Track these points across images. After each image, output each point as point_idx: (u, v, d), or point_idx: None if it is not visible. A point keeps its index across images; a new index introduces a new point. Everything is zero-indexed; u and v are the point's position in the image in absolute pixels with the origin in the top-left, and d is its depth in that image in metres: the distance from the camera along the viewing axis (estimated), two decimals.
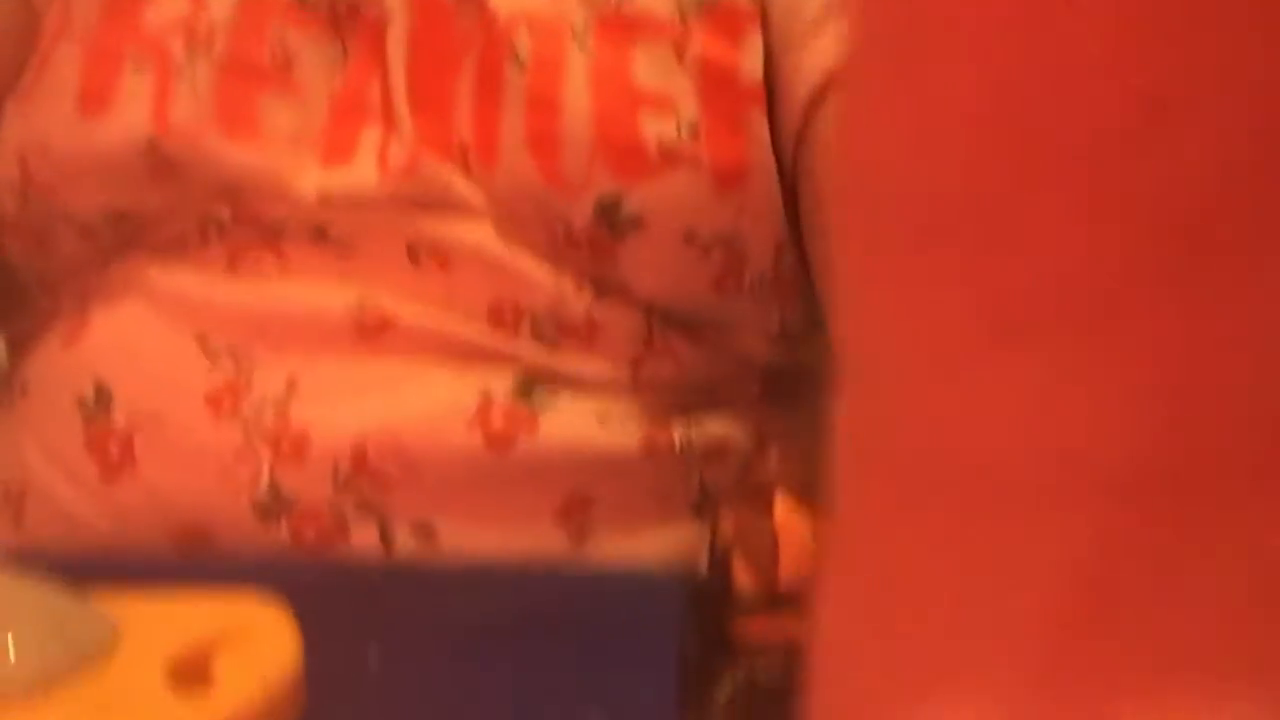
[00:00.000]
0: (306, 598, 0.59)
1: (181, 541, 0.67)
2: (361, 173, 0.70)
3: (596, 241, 0.69)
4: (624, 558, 0.69)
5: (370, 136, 0.70)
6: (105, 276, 0.72)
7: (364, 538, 0.67)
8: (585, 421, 0.69)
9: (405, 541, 0.67)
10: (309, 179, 0.70)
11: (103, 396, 0.70)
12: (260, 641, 0.53)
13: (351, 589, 0.63)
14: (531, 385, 0.69)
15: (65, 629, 0.52)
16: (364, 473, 0.66)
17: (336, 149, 0.71)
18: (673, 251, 0.70)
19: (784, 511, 0.47)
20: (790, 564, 0.46)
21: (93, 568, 0.55)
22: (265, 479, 0.67)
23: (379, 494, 0.67)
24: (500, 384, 0.69)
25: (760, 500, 0.47)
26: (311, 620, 0.55)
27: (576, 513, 0.69)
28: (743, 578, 0.47)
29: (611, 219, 0.69)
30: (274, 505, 0.67)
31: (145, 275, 0.71)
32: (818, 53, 0.70)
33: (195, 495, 0.68)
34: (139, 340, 0.70)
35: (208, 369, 0.69)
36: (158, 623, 0.54)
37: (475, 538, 0.67)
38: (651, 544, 0.69)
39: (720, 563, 0.47)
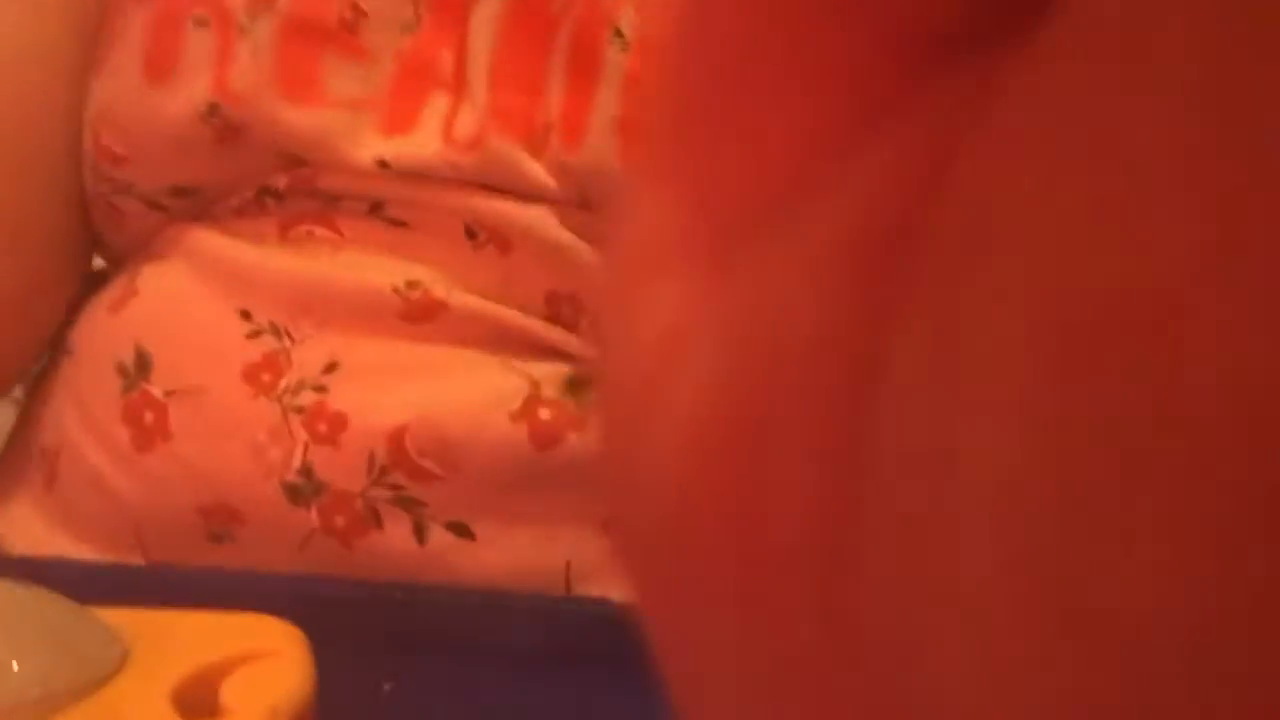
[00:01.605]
0: (319, 616, 0.57)
1: (209, 518, 0.65)
2: (423, 142, 0.66)
3: None
4: None
5: (437, 104, 0.67)
6: (157, 243, 0.70)
7: (396, 531, 0.64)
8: None
9: (439, 538, 0.64)
10: (368, 146, 0.67)
11: (142, 363, 0.67)
12: (273, 667, 0.50)
13: (362, 610, 0.60)
14: (583, 383, 0.66)
15: (71, 647, 0.50)
16: (401, 463, 0.63)
17: (399, 116, 0.67)
18: None
19: None
20: None
21: (104, 578, 0.53)
22: (298, 460, 0.64)
23: (415, 487, 0.63)
24: (550, 379, 0.65)
25: None
26: (321, 642, 0.51)
27: None
28: None
29: None
30: (305, 488, 0.64)
31: (196, 242, 0.69)
32: None
33: (226, 471, 0.65)
34: (182, 308, 0.68)
35: (248, 342, 0.66)
36: (167, 642, 0.51)
37: (513, 539, 0.64)
38: None
39: None
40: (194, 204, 0.70)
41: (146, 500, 0.66)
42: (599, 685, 0.54)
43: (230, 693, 0.48)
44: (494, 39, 0.67)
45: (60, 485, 0.69)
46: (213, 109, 0.68)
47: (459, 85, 0.67)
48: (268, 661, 0.50)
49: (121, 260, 0.74)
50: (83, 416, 0.69)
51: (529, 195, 0.66)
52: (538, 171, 0.66)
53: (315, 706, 0.49)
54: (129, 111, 0.70)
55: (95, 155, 0.71)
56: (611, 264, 0.15)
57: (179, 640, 0.51)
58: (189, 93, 0.68)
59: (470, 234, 0.66)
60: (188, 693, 0.48)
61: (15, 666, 0.48)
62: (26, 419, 0.74)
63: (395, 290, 0.66)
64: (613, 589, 0.65)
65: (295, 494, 0.64)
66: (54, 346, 0.74)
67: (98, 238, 0.75)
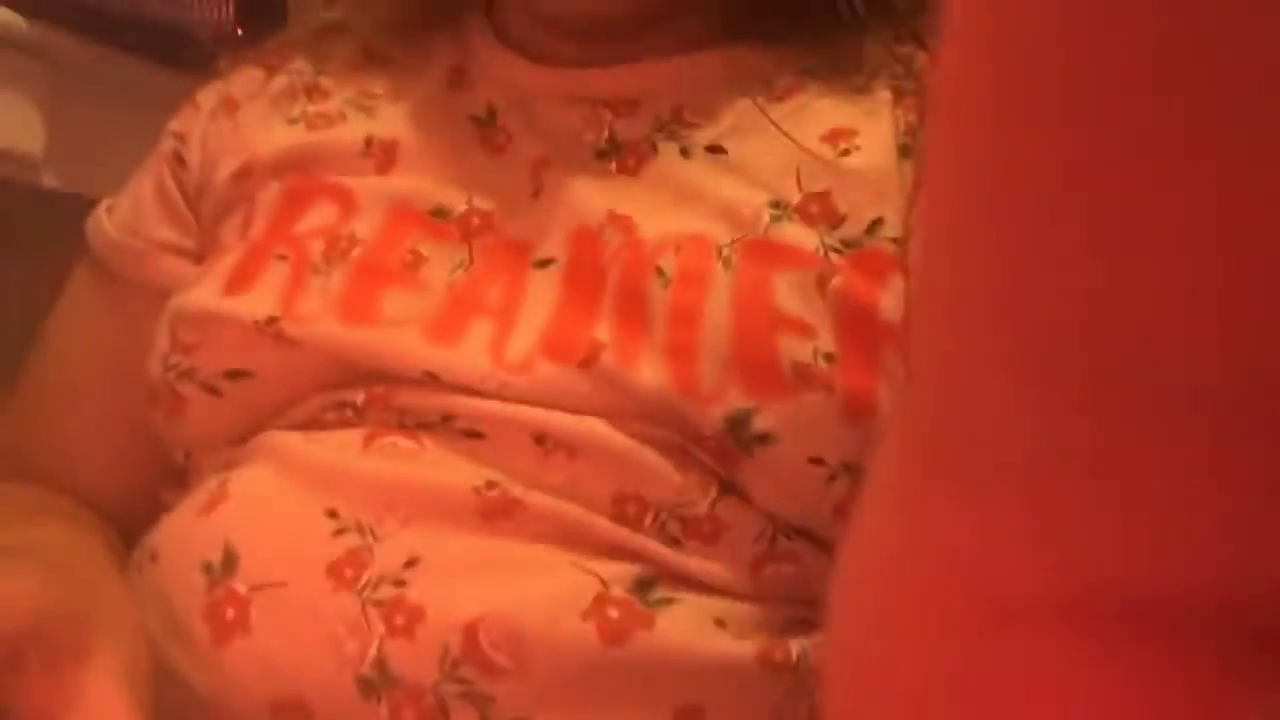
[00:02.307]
0: None
1: (279, 713, 0.66)
2: (471, 356, 0.71)
3: (724, 451, 0.69)
4: None
5: (480, 329, 0.73)
6: (244, 450, 0.71)
7: None
8: (704, 624, 0.67)
9: None
10: (415, 356, 0.72)
11: (229, 561, 0.69)
12: None
13: None
14: (652, 583, 0.67)
15: None
16: (473, 656, 0.65)
17: (442, 330, 0.73)
18: (799, 471, 0.68)
19: None
20: None
21: None
22: (374, 653, 0.65)
23: (485, 681, 0.65)
24: (619, 578, 0.67)
25: None
26: None
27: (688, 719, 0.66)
28: None
29: (740, 433, 0.67)
30: (378, 681, 0.65)
31: (283, 445, 0.71)
32: None
33: (301, 665, 0.66)
34: (271, 508, 0.70)
35: (333, 540, 0.67)
36: None
37: None
38: None
39: None
40: (252, 397, 0.74)
41: (220, 694, 0.67)
42: None
43: None
44: (551, 293, 0.73)
45: None
46: (271, 320, 0.74)
47: (507, 318, 0.73)
48: None
49: (194, 467, 0.77)
50: (164, 616, 0.70)
51: (583, 412, 0.69)
52: (590, 389, 0.69)
53: None
54: (203, 310, 0.76)
55: (168, 347, 0.77)
56: None
57: None
58: (257, 303, 0.75)
59: (539, 440, 0.69)
60: None
61: None
62: None
63: (475, 490, 0.67)
64: None
65: (367, 688, 0.65)
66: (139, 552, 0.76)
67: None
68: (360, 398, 0.72)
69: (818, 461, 0.69)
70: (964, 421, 0.16)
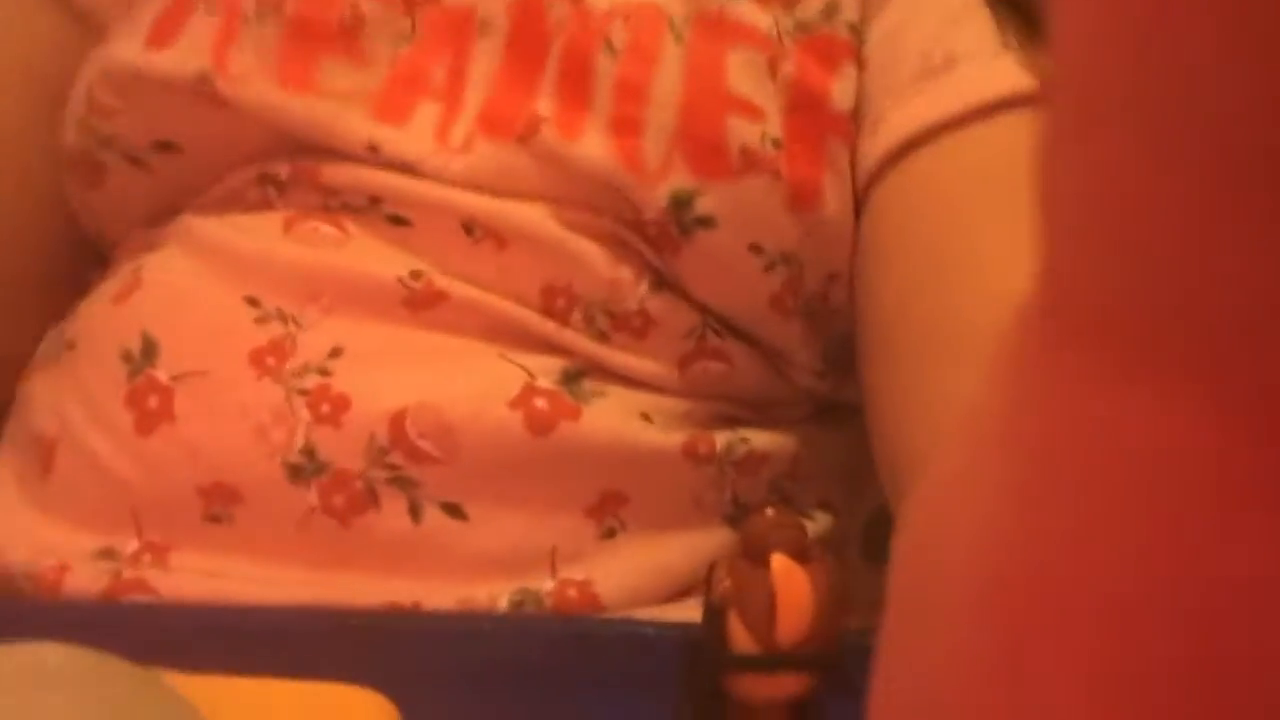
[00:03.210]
0: (305, 642, 0.57)
1: (208, 498, 0.66)
2: (415, 137, 0.69)
3: (663, 236, 0.68)
4: (651, 559, 0.68)
5: (428, 111, 0.70)
6: (160, 234, 0.69)
7: (392, 511, 0.65)
8: (629, 416, 0.68)
9: (433, 519, 0.66)
10: (358, 130, 0.70)
11: (149, 349, 0.68)
12: None
13: (347, 632, 0.61)
14: (578, 374, 0.67)
15: None
16: (400, 445, 0.65)
17: (390, 109, 0.70)
18: (737, 259, 0.67)
19: (782, 568, 0.45)
20: (788, 623, 0.45)
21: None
22: (300, 440, 0.65)
23: (412, 468, 0.65)
24: (546, 371, 0.68)
25: (758, 555, 0.46)
26: (309, 666, 0.52)
27: (610, 507, 0.67)
28: (739, 635, 0.46)
29: (682, 215, 0.66)
30: (306, 467, 0.65)
31: (201, 231, 0.70)
32: (906, 114, 0.66)
33: (228, 452, 0.66)
34: (189, 295, 0.69)
35: (255, 327, 0.66)
36: (245, 717, 0.49)
37: (503, 522, 0.66)
38: (679, 549, 0.68)
39: (716, 619, 0.46)
40: (178, 171, 0.72)
41: (146, 482, 0.67)
42: (613, 705, 0.57)
43: None
44: (493, 66, 0.70)
45: (57, 474, 0.69)
46: (203, 78, 0.70)
47: (453, 99, 0.70)
48: None
49: (111, 246, 0.75)
50: (85, 405, 0.69)
51: (522, 194, 0.68)
52: (531, 170, 0.67)
53: None
54: (125, 69, 0.72)
55: (86, 111, 0.73)
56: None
57: (258, 715, 0.49)
58: (184, 59, 0.71)
59: (468, 229, 0.68)
60: None
61: None
62: (21, 413, 0.72)
63: (399, 280, 0.66)
64: (595, 573, 0.67)
65: (296, 473, 0.65)
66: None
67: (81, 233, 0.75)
68: (285, 171, 0.70)
69: (757, 249, 0.68)
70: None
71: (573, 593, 0.66)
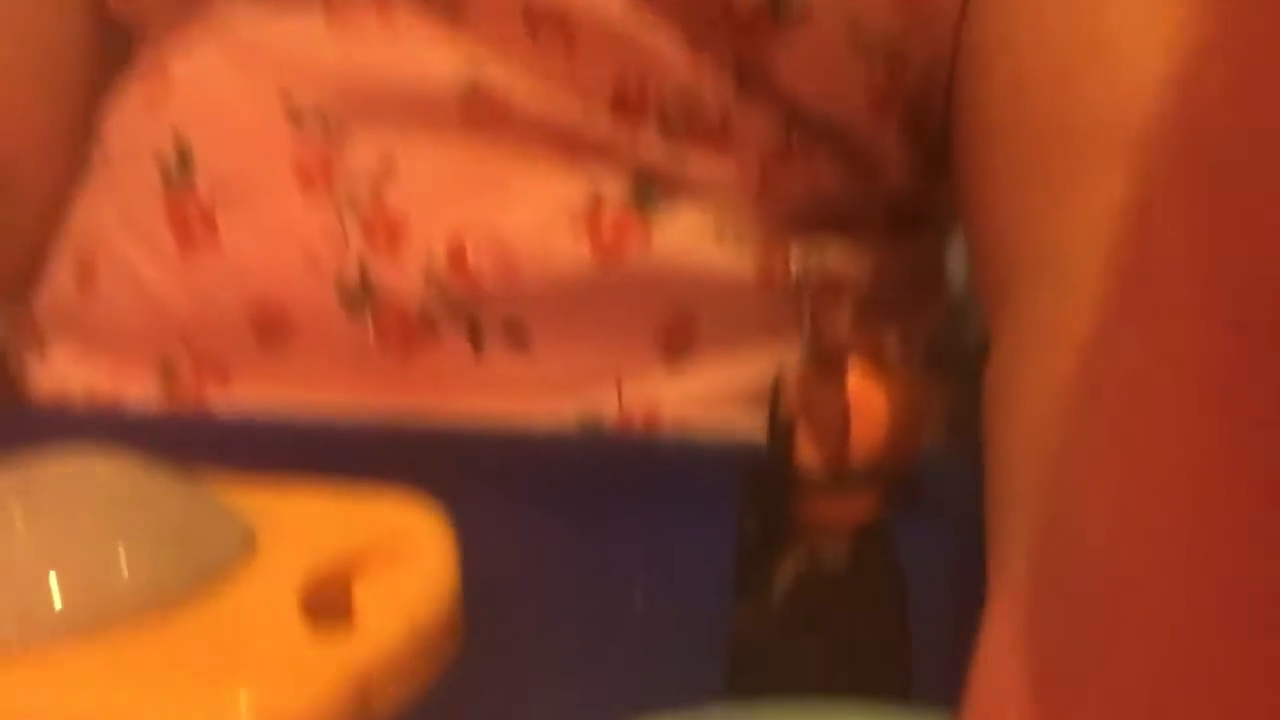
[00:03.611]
0: (360, 454, 0.54)
1: (260, 327, 0.62)
2: None
3: (755, 25, 0.61)
4: (720, 384, 0.64)
5: None
6: (189, 27, 0.64)
7: (453, 341, 0.62)
8: (701, 237, 0.63)
9: (496, 348, 0.63)
10: None
11: (184, 157, 0.64)
12: (413, 566, 0.46)
13: (403, 443, 0.59)
14: (649, 188, 0.63)
15: (190, 538, 0.46)
16: (460, 273, 0.62)
17: None
18: (835, 49, 0.62)
19: (858, 379, 0.41)
20: (862, 439, 0.41)
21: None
22: (355, 266, 0.61)
23: (474, 297, 0.62)
24: (615, 186, 0.63)
25: (832, 366, 0.41)
26: (365, 478, 0.50)
27: (679, 333, 0.64)
28: (808, 453, 0.41)
29: (777, 1, 0.60)
30: (361, 296, 0.62)
31: (230, 23, 0.63)
32: None
33: (278, 277, 0.62)
34: (219, 95, 0.63)
35: (294, 132, 0.62)
36: (296, 529, 0.47)
37: (569, 351, 0.63)
38: (751, 373, 0.65)
39: (783, 435, 0.41)
40: None
41: (193, 304, 0.64)
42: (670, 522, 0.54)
43: (365, 595, 0.44)
44: None
45: (99, 292, 0.65)
46: None
47: None
48: (407, 558, 0.46)
49: (142, 39, 0.68)
50: (124, 220, 0.66)
51: None
52: None
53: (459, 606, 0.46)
54: None
55: None
56: None
57: (309, 527, 0.47)
58: None
59: (529, 23, 0.61)
60: (317, 594, 0.44)
61: (124, 560, 0.45)
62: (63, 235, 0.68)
63: (455, 86, 0.62)
64: (664, 397, 0.63)
65: (351, 301, 0.62)
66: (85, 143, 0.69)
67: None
68: None
69: (855, 39, 0.62)
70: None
71: (638, 416, 0.63)
